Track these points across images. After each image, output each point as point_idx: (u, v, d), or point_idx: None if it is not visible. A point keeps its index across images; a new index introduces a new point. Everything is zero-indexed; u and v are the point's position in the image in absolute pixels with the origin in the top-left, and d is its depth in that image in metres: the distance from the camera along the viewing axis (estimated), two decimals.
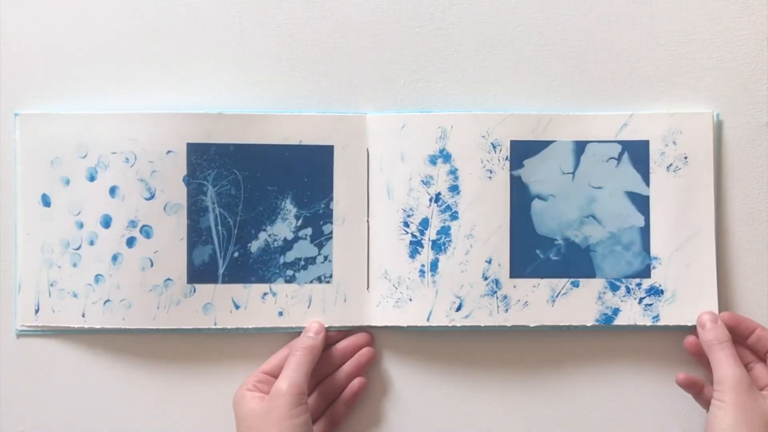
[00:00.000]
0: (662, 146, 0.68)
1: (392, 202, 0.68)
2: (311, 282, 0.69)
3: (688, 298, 0.68)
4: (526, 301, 0.68)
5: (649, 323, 0.68)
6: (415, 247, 0.68)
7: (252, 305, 0.68)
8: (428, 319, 0.68)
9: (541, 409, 0.70)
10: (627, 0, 0.69)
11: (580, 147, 0.68)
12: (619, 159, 0.68)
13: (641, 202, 0.68)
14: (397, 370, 0.70)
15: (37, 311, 0.68)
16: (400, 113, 0.69)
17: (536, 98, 0.70)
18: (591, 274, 0.68)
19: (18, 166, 0.68)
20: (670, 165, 0.68)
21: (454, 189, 0.68)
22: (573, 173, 0.68)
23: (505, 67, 0.70)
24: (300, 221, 0.69)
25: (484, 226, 0.68)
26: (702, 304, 0.68)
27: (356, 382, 0.68)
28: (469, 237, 0.68)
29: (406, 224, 0.68)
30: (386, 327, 0.69)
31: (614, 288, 0.68)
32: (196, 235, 0.68)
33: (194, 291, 0.68)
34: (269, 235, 0.68)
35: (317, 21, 0.70)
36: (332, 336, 0.68)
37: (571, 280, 0.68)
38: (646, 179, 0.68)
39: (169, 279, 0.68)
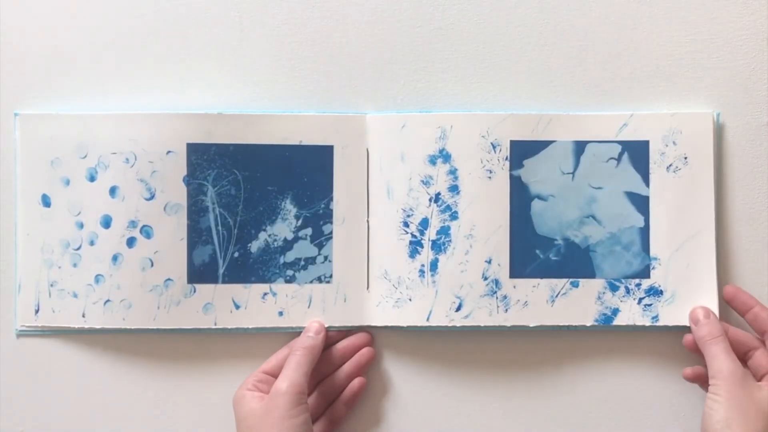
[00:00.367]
0: (662, 146, 0.68)
1: (392, 202, 0.68)
2: (311, 282, 0.69)
3: (687, 298, 0.68)
4: (526, 301, 0.68)
5: (648, 323, 0.68)
6: (415, 247, 0.68)
7: (252, 305, 0.68)
8: (428, 319, 0.68)
9: (540, 409, 0.70)
10: (627, 0, 0.69)
11: (579, 147, 0.68)
12: (619, 159, 0.68)
13: (641, 203, 0.68)
14: (397, 370, 0.70)
15: (37, 311, 0.69)
16: (400, 113, 0.69)
17: (536, 98, 0.70)
18: (590, 274, 0.68)
19: (18, 166, 0.68)
20: (670, 165, 0.68)
21: (454, 189, 0.68)
22: (573, 173, 0.68)
23: (505, 67, 0.70)
24: (300, 221, 0.69)
25: (484, 226, 0.68)
26: (701, 304, 0.68)
27: (356, 382, 0.68)
28: (469, 237, 0.68)
29: (406, 224, 0.68)
30: (386, 327, 0.69)
31: (614, 288, 0.68)
32: (196, 235, 0.68)
33: (194, 291, 0.68)
34: (269, 235, 0.68)
35: (317, 21, 0.70)
36: (332, 336, 0.69)
37: (571, 280, 0.68)
38: (646, 179, 0.68)
39: (169, 279, 0.68)
